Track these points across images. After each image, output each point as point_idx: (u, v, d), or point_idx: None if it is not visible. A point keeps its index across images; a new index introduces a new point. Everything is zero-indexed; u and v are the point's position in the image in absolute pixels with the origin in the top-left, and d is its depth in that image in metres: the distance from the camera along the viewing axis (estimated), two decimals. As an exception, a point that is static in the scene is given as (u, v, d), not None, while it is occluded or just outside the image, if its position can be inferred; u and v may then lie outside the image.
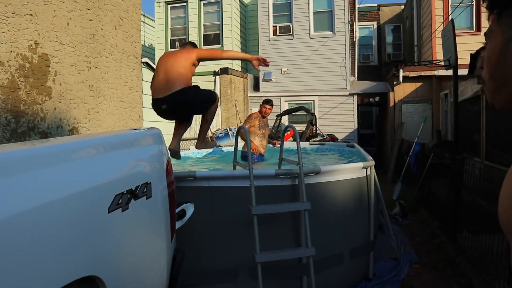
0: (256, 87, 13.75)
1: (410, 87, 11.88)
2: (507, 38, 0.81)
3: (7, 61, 4.35)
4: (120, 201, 1.67)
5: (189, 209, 2.89)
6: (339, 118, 12.65)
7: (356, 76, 15.18)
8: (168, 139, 7.93)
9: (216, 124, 11.38)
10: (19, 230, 1.20)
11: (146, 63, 7.00)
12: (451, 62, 7.23)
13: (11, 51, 4.40)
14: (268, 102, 6.13)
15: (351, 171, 3.93)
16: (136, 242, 1.83)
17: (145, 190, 1.88)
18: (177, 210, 2.69)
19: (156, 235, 2.01)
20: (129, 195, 1.74)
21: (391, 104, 12.10)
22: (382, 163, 13.07)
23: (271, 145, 6.62)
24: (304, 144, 7.70)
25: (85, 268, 1.47)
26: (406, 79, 11.70)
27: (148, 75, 7.21)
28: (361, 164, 4.08)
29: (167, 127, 8.08)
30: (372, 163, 4.32)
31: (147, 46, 16.14)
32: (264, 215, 3.30)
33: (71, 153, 1.57)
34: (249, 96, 13.45)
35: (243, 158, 5.49)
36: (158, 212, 2.02)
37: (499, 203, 0.93)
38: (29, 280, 1.23)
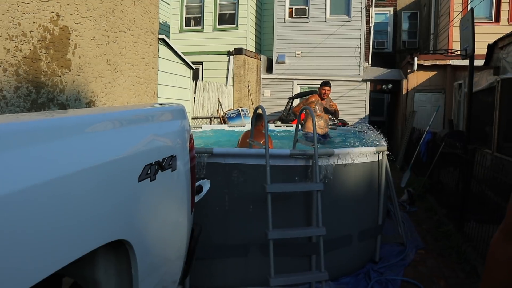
0: (269, 69, 13.73)
1: (424, 76, 11.80)
2: None
3: (30, 32, 4.41)
4: (149, 171, 1.75)
5: (206, 185, 2.98)
6: (351, 103, 12.62)
7: (370, 62, 15.07)
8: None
9: (228, 104, 11.44)
10: (56, 194, 1.28)
11: (163, 39, 7.03)
12: (468, 52, 7.17)
13: (34, 22, 4.46)
14: (326, 84, 6.30)
15: (363, 155, 3.98)
16: (162, 211, 1.92)
17: (170, 162, 1.96)
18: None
19: (178, 207, 2.10)
20: (157, 166, 1.82)
21: (404, 92, 12.04)
22: (392, 150, 13.05)
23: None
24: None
25: (117, 232, 1.56)
26: (421, 67, 11.62)
27: (164, 52, 7.26)
28: (374, 149, 4.13)
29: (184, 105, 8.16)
30: (385, 148, 4.37)
31: (162, 23, 16.11)
32: (277, 193, 3.38)
33: (105, 123, 1.65)
34: (262, 78, 13.45)
35: (305, 139, 5.82)
36: (181, 184, 2.11)
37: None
38: (66, 240, 1.32)
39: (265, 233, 3.19)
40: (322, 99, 6.29)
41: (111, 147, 1.57)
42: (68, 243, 1.32)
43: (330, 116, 6.57)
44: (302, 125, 6.13)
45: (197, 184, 2.84)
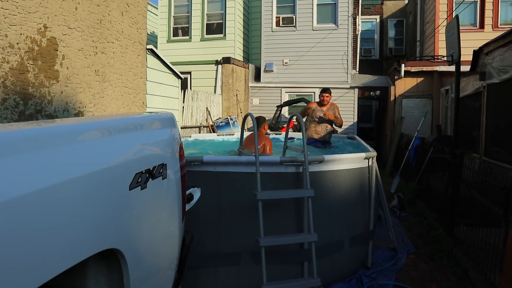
0: (257, 77, 13.79)
1: (411, 82, 11.94)
2: None
3: (17, 44, 4.39)
4: (140, 180, 1.74)
5: (196, 193, 2.97)
6: (340, 111, 12.68)
7: (358, 69, 15.22)
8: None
9: (217, 113, 11.44)
10: (46, 204, 1.27)
11: (151, 49, 7.03)
12: (454, 57, 7.28)
13: (21, 34, 4.44)
14: (324, 90, 6.34)
15: (353, 161, 4.01)
16: (153, 219, 1.91)
17: (161, 170, 1.96)
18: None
19: (170, 214, 2.09)
20: (147, 175, 1.81)
21: (392, 98, 12.16)
22: (380, 156, 13.17)
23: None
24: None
25: (108, 241, 1.54)
26: (408, 73, 11.76)
27: (152, 62, 7.26)
28: (363, 155, 4.16)
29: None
30: (374, 154, 4.40)
31: (150, 33, 16.12)
32: (268, 200, 3.38)
33: (96, 133, 1.64)
34: (250, 86, 13.49)
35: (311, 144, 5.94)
36: (172, 192, 2.10)
37: None
38: (56, 250, 1.30)
39: (257, 240, 3.18)
40: (322, 105, 6.33)
41: (101, 156, 1.56)
42: (57, 253, 1.31)
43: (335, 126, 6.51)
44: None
45: (187, 192, 2.83)
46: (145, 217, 1.82)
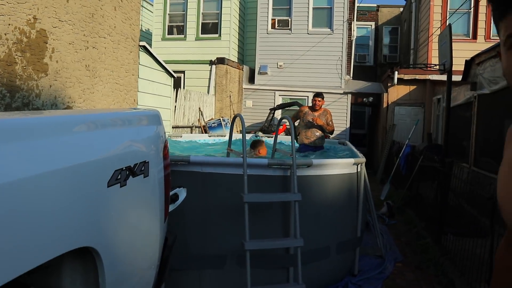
0: (251, 79, 13.75)
1: (404, 90, 11.97)
2: None
3: (5, 34, 4.30)
4: (119, 177, 1.68)
5: (182, 193, 2.91)
6: (332, 116, 12.68)
7: (352, 75, 15.24)
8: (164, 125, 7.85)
9: (210, 114, 11.37)
10: (18, 196, 1.21)
11: (144, 47, 6.96)
12: (446, 66, 7.31)
13: (9, 24, 4.35)
14: (316, 95, 6.26)
15: (342, 166, 3.97)
16: (132, 218, 1.85)
17: (142, 168, 1.90)
18: (170, 194, 2.70)
19: (150, 214, 2.03)
20: (127, 172, 1.75)
21: (384, 105, 12.18)
22: (372, 163, 13.18)
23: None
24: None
25: (82, 238, 1.48)
26: (401, 81, 11.79)
27: (145, 59, 7.18)
28: (352, 160, 4.12)
29: (161, 114, 8.07)
30: (363, 160, 4.37)
31: (144, 31, 16.02)
32: (255, 203, 3.33)
33: (74, 126, 1.58)
34: (244, 88, 13.44)
35: (298, 149, 5.84)
36: (154, 191, 2.04)
37: (498, 190, 0.93)
38: (25, 245, 1.24)
39: (242, 243, 3.13)
40: (314, 110, 6.24)
41: (78, 151, 1.50)
42: (26, 250, 1.25)
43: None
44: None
45: (173, 192, 2.77)
46: (123, 215, 1.75)
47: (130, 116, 2.05)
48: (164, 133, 2.36)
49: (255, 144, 5.16)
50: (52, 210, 1.33)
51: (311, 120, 6.12)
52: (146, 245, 2.01)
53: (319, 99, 6.17)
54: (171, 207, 2.70)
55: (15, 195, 1.20)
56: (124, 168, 1.74)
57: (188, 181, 3.34)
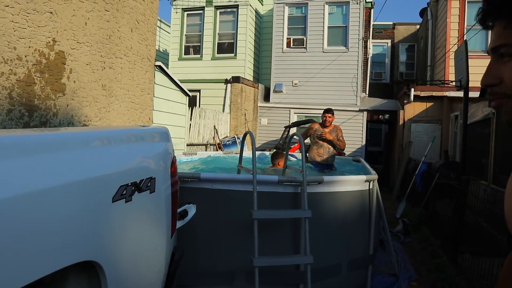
0: (266, 98, 13.84)
1: (420, 107, 11.88)
2: None
3: (25, 56, 4.47)
4: (124, 192, 1.72)
5: (191, 209, 2.94)
6: (348, 133, 12.63)
7: (367, 92, 15.21)
8: (175, 143, 7.99)
9: (225, 132, 11.47)
10: (23, 210, 1.26)
11: (159, 66, 7.11)
12: (463, 83, 7.24)
13: (30, 47, 4.52)
14: (326, 111, 6.19)
15: (353, 183, 3.96)
16: (137, 233, 1.88)
17: (149, 184, 1.94)
18: (179, 210, 2.74)
19: (156, 230, 2.06)
20: (133, 187, 1.79)
21: (401, 122, 12.10)
22: (388, 181, 13.03)
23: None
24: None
25: (86, 252, 1.52)
26: (417, 98, 11.71)
27: (160, 78, 7.33)
28: (364, 177, 4.10)
29: (175, 131, 8.17)
30: (375, 177, 4.34)
31: (162, 51, 16.35)
32: (265, 220, 3.34)
33: (80, 142, 1.64)
34: (259, 106, 13.54)
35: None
36: (160, 207, 2.07)
37: (505, 202, 0.93)
38: (29, 257, 1.28)
39: (251, 260, 3.13)
40: (324, 126, 6.19)
41: (82, 167, 1.55)
42: (29, 261, 1.29)
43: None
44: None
45: (182, 208, 2.80)
46: (128, 230, 1.79)
47: (138, 133, 2.10)
48: (173, 150, 2.41)
49: (275, 156, 5.35)
50: (55, 224, 1.38)
51: (320, 135, 6.07)
52: (151, 260, 2.03)
53: (329, 115, 6.11)
54: (180, 223, 2.74)
55: (21, 208, 1.25)
56: (130, 184, 1.78)
57: (199, 197, 3.38)
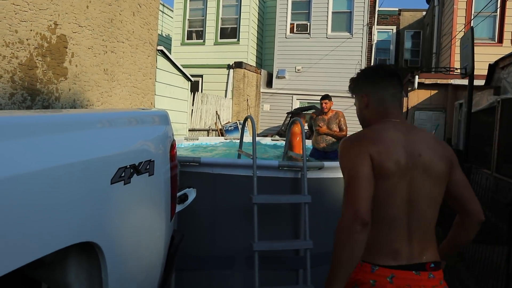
0: (269, 83, 13.79)
1: (424, 94, 11.80)
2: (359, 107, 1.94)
3: (27, 39, 4.45)
4: (123, 174, 1.72)
5: (191, 194, 2.94)
6: (351, 120, 12.55)
7: (371, 79, 15.11)
8: (176, 128, 7.96)
9: (227, 117, 11.45)
10: (22, 190, 1.26)
11: (161, 51, 7.08)
12: (468, 70, 7.18)
13: (31, 30, 4.50)
14: (323, 97, 6.12)
15: (355, 170, 3.94)
16: (136, 215, 1.89)
17: (148, 167, 1.93)
18: (179, 194, 2.74)
19: (155, 212, 2.07)
20: (132, 170, 1.79)
21: (404, 110, 12.03)
22: (391, 168, 13.02)
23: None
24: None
25: (85, 234, 1.53)
26: (421, 85, 11.62)
27: (162, 63, 7.30)
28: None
29: (177, 116, 8.16)
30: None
31: (165, 36, 16.27)
32: (265, 205, 3.35)
33: (78, 124, 1.64)
34: (262, 92, 13.49)
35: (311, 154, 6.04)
36: (159, 190, 2.08)
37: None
38: (26, 238, 1.29)
39: (250, 244, 3.14)
40: (323, 113, 6.13)
41: (81, 148, 1.55)
42: (29, 242, 1.30)
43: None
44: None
45: (182, 192, 2.81)
46: (127, 212, 1.80)
47: (137, 115, 2.09)
48: (172, 133, 2.40)
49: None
50: (53, 205, 1.38)
51: (317, 128, 6.03)
52: (150, 242, 2.05)
53: (325, 101, 6.02)
54: (180, 207, 2.75)
55: (20, 189, 1.25)
56: (128, 166, 1.78)
57: (199, 182, 3.38)
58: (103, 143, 1.69)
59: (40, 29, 4.62)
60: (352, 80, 1.98)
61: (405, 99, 12.04)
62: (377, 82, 1.83)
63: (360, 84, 1.91)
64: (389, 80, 1.82)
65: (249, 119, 3.62)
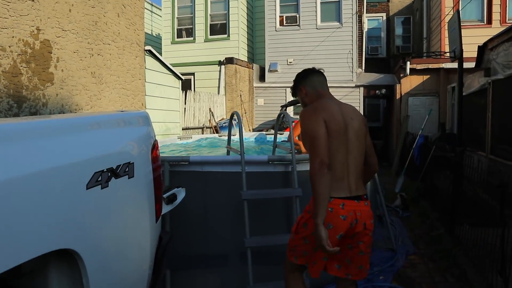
0: (262, 78, 13.74)
1: (417, 80, 11.77)
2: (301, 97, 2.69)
3: (9, 47, 4.40)
4: (100, 179, 1.70)
5: (180, 193, 2.93)
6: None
7: (364, 68, 15.08)
8: (170, 127, 7.88)
9: (221, 114, 11.42)
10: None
11: (149, 51, 7.03)
12: (456, 53, 7.16)
13: (13, 37, 4.45)
14: None
15: (346, 160, 3.92)
16: (117, 219, 1.87)
17: (127, 169, 1.91)
18: (167, 194, 2.72)
19: (138, 214, 2.05)
20: (109, 173, 1.77)
21: (398, 96, 12.01)
22: (388, 156, 13.02)
23: None
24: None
25: (61, 241, 1.50)
26: (413, 71, 11.60)
27: (151, 63, 7.25)
28: (356, 153, 4.07)
29: (170, 116, 8.12)
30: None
31: (155, 35, 16.18)
32: (256, 200, 3.33)
33: (52, 129, 1.61)
34: (255, 87, 13.45)
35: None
36: (141, 192, 2.06)
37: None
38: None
39: (243, 240, 3.13)
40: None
41: (56, 153, 1.53)
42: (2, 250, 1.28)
43: None
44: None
45: (171, 192, 2.79)
46: (106, 216, 1.78)
47: (114, 118, 2.07)
48: (154, 134, 2.38)
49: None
50: (25, 212, 1.36)
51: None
52: (135, 245, 2.03)
53: None
54: (169, 207, 2.73)
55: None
56: (105, 170, 1.75)
57: (190, 180, 3.37)
58: (76, 148, 1.66)
59: (23, 35, 4.58)
60: (292, 86, 2.74)
61: (398, 85, 12.02)
62: (307, 76, 2.63)
63: (297, 83, 2.66)
64: (313, 73, 2.64)
65: (235, 115, 3.59)
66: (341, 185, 2.33)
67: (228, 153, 4.04)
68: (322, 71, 2.70)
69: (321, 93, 2.56)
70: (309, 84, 2.59)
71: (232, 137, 7.51)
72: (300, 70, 2.80)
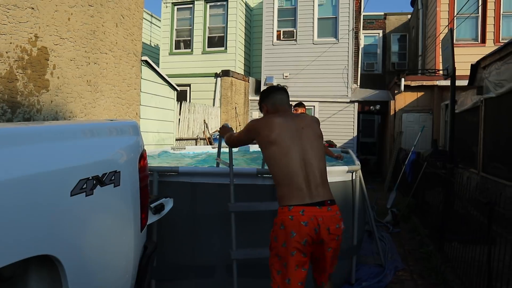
0: (257, 91, 13.82)
1: (411, 96, 11.89)
2: (263, 114, 2.90)
3: (6, 52, 4.44)
4: (85, 186, 1.72)
5: (168, 203, 2.94)
6: (339, 124, 12.66)
7: (359, 83, 15.20)
8: (163, 137, 7.89)
9: (215, 126, 11.46)
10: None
11: (146, 61, 7.08)
12: (449, 71, 7.25)
13: (11, 43, 4.49)
14: (297, 105, 6.03)
15: (335, 174, 3.96)
16: (100, 227, 1.88)
17: (113, 178, 1.94)
18: (155, 204, 2.74)
19: (122, 223, 2.06)
20: (94, 181, 1.79)
21: (392, 112, 12.11)
22: (381, 171, 13.07)
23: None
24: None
25: (41, 246, 1.52)
26: (408, 88, 11.72)
27: (147, 73, 7.30)
28: (346, 168, 4.11)
29: (164, 126, 8.15)
30: (358, 167, 4.34)
31: (153, 46, 16.28)
32: (245, 213, 3.34)
33: (38, 135, 1.64)
34: (250, 100, 13.51)
35: None
36: (126, 201, 2.08)
37: None
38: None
39: (229, 252, 3.14)
40: None
41: (39, 160, 1.55)
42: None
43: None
44: None
45: (158, 202, 2.81)
46: (90, 224, 1.79)
47: (102, 127, 2.10)
48: (143, 144, 2.40)
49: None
50: (5, 216, 1.37)
51: None
52: (117, 253, 2.04)
53: (297, 108, 5.93)
54: (156, 217, 2.74)
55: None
56: (91, 178, 1.78)
57: (178, 191, 3.38)
58: (63, 155, 1.69)
59: (20, 41, 4.62)
60: (258, 102, 2.95)
61: (392, 102, 12.12)
62: (268, 95, 2.85)
63: (260, 101, 2.89)
64: (275, 91, 2.85)
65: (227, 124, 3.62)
66: (299, 194, 2.44)
67: (217, 165, 4.07)
68: (285, 87, 3.02)
69: (279, 109, 2.76)
70: (269, 102, 2.81)
71: (223, 149, 7.55)
72: (296, 84, 2.91)
